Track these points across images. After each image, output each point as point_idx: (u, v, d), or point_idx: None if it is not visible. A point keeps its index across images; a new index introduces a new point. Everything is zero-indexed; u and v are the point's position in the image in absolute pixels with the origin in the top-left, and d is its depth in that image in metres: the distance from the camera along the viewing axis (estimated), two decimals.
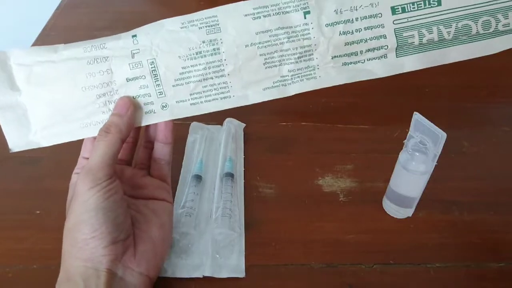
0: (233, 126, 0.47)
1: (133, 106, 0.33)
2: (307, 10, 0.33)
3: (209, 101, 0.34)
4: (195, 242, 0.36)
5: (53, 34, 0.63)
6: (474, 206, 0.40)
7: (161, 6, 0.71)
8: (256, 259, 0.35)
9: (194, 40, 0.33)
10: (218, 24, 0.33)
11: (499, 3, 0.32)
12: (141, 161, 0.37)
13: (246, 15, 0.33)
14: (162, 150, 0.36)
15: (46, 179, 0.42)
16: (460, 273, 0.35)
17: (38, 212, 0.39)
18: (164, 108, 0.34)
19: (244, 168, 0.43)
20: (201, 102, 0.34)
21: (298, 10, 0.33)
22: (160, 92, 0.34)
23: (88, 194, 0.29)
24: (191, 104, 0.34)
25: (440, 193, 0.40)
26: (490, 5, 0.32)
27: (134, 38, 0.33)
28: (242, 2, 0.33)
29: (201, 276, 0.34)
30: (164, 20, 0.33)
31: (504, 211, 0.39)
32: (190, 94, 0.34)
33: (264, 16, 0.33)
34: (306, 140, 0.47)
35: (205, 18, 0.33)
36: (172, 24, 0.33)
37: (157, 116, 0.34)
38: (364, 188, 0.41)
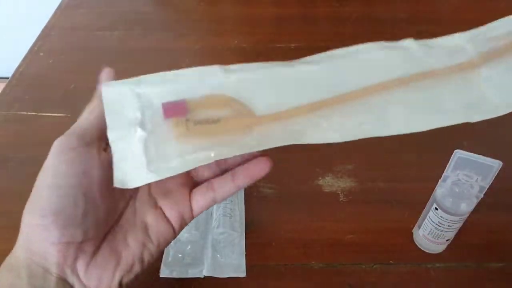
0: None
1: None
2: None
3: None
4: (196, 242, 0.36)
5: (53, 34, 0.63)
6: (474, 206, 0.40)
7: (161, 6, 0.71)
8: (256, 259, 0.35)
9: None
10: None
11: None
12: (201, 178, 0.28)
13: None
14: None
15: None
16: (460, 273, 0.35)
17: None
18: None
19: None
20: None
21: None
22: None
23: (59, 158, 0.24)
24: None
25: None
26: None
27: None
28: None
29: (202, 276, 0.34)
30: None
31: (504, 211, 0.39)
32: None
33: None
34: None
35: None
36: None
37: None
38: (364, 188, 0.41)
